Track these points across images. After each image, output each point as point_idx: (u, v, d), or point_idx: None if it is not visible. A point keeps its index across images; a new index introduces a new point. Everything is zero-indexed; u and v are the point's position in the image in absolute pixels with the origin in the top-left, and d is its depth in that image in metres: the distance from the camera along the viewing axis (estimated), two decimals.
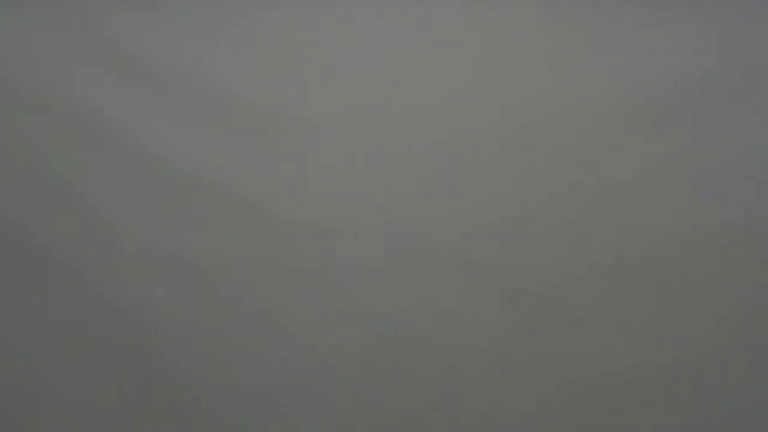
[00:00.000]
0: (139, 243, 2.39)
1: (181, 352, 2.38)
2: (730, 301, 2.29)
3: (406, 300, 2.35)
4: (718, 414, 2.27)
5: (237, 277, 2.38)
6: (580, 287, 2.32)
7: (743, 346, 2.28)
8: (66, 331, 2.39)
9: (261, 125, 2.40)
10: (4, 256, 2.41)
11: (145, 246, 2.39)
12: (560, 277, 2.32)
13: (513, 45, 2.37)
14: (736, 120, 2.31)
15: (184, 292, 2.38)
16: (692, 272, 2.30)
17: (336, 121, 2.39)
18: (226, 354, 2.38)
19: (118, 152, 2.41)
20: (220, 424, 2.37)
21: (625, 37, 2.35)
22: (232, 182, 2.40)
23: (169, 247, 2.39)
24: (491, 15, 2.37)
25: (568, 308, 2.32)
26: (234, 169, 2.40)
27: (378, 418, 2.35)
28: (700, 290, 2.30)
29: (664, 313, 2.30)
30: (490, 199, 2.35)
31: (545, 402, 2.31)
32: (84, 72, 2.42)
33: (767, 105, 2.31)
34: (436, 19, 2.38)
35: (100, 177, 2.41)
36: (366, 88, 2.39)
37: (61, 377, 2.39)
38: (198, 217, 2.40)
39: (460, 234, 2.35)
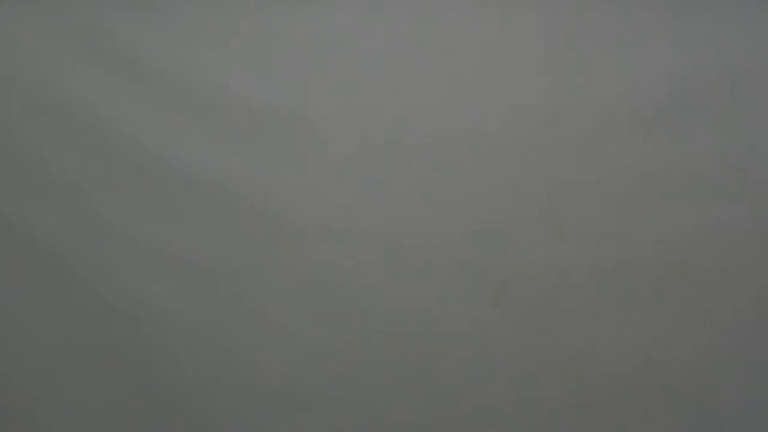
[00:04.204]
0: (139, 242, 2.39)
1: (181, 352, 2.38)
2: (730, 301, 2.29)
3: (406, 300, 2.35)
4: (718, 414, 2.27)
5: (237, 277, 2.38)
6: (580, 287, 2.32)
7: (743, 346, 2.28)
8: (66, 331, 2.39)
9: (261, 125, 2.40)
10: (4, 256, 2.41)
11: (145, 245, 2.39)
12: (560, 277, 2.32)
13: (513, 45, 2.37)
14: (736, 120, 2.31)
15: (184, 292, 2.38)
16: (692, 272, 2.30)
17: (336, 122, 2.39)
18: (227, 354, 2.38)
19: (118, 152, 2.41)
20: (221, 424, 2.36)
21: (625, 37, 2.35)
22: (232, 182, 2.39)
23: (169, 246, 2.39)
24: (491, 15, 2.37)
25: (568, 308, 2.32)
26: (234, 169, 2.40)
27: (378, 418, 2.34)
28: (700, 290, 2.30)
29: (664, 313, 2.30)
30: (491, 200, 2.35)
31: (545, 402, 2.31)
32: (84, 72, 2.42)
33: (767, 105, 2.31)
34: (437, 19, 2.38)
35: (100, 177, 2.41)
36: (366, 88, 2.39)
37: (61, 377, 2.38)
38: (198, 217, 2.39)
39: (460, 234, 2.35)
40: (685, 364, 2.28)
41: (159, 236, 2.40)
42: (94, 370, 2.38)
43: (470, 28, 2.38)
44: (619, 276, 2.31)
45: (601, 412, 2.30)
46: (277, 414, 2.36)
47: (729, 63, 2.32)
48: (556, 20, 2.36)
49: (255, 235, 2.39)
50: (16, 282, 2.40)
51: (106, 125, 2.42)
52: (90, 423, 2.38)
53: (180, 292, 2.39)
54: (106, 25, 2.43)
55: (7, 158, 2.43)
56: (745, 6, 2.33)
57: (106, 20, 2.43)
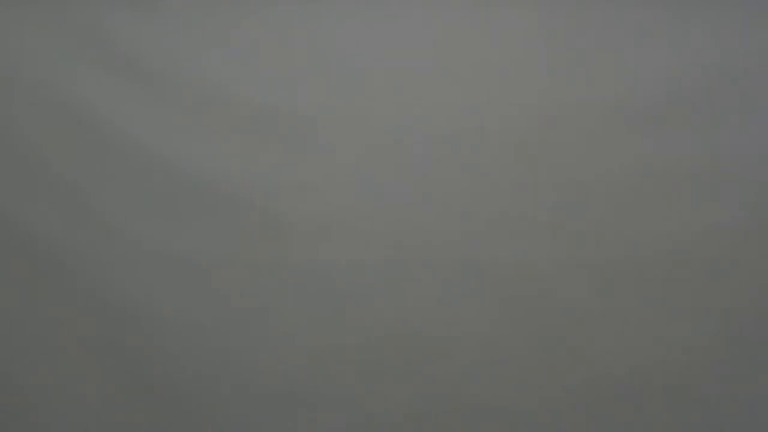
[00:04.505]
0: (139, 242, 2.39)
1: (181, 352, 2.38)
2: (730, 301, 2.29)
3: (406, 300, 2.35)
4: (718, 414, 2.27)
5: (237, 277, 2.38)
6: (580, 287, 2.32)
7: (743, 346, 2.28)
8: (66, 331, 2.39)
9: (261, 125, 2.40)
10: (4, 256, 2.41)
11: (145, 245, 2.39)
12: (560, 277, 2.32)
13: (513, 45, 2.37)
14: (736, 120, 2.31)
15: (184, 292, 2.38)
16: (692, 272, 2.30)
17: (336, 122, 2.39)
18: (227, 354, 2.38)
19: (118, 152, 2.41)
20: (221, 424, 2.36)
21: (625, 37, 2.35)
22: (232, 182, 2.39)
23: (169, 246, 2.39)
24: (492, 15, 2.37)
25: (569, 308, 2.32)
26: (234, 169, 2.40)
27: (378, 418, 2.34)
28: (700, 290, 2.30)
29: (664, 313, 2.30)
30: (491, 199, 2.35)
31: (546, 402, 2.31)
32: (84, 72, 2.42)
33: (767, 105, 2.31)
34: (437, 19, 2.38)
35: (100, 177, 2.41)
36: (366, 88, 2.39)
37: (61, 377, 2.38)
38: (198, 217, 2.39)
39: (460, 234, 2.35)
40: (686, 364, 2.28)
41: (159, 236, 2.40)
42: (94, 370, 2.38)
43: (470, 28, 2.38)
44: (619, 276, 2.31)
45: (602, 412, 2.30)
46: (277, 414, 2.36)
47: (729, 63, 2.32)
48: (556, 20, 2.36)
49: (255, 235, 2.39)
50: (16, 282, 2.40)
51: (106, 125, 2.42)
52: (90, 423, 2.38)
53: (180, 292, 2.39)
54: (106, 25, 2.43)
55: (7, 158, 2.43)
56: (745, 6, 2.33)
57: (106, 20, 2.43)
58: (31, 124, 2.42)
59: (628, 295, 2.31)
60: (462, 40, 2.38)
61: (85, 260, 2.39)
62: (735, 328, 2.28)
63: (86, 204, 2.41)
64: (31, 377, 2.39)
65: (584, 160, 2.34)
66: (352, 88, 2.39)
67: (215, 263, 2.39)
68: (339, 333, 2.36)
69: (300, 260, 2.37)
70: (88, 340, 2.38)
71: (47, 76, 2.43)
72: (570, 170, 2.34)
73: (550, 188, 2.34)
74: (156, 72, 2.42)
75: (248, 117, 2.41)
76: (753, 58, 2.32)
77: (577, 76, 2.35)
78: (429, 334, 2.34)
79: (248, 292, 2.38)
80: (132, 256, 2.39)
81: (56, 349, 2.39)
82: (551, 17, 2.36)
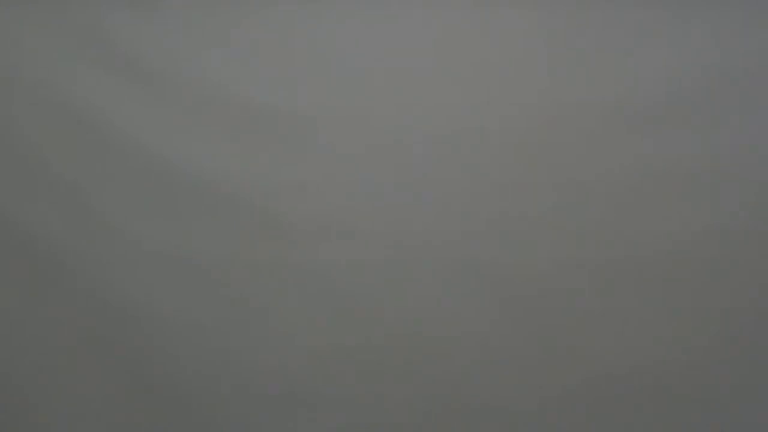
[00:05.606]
0: (139, 242, 2.39)
1: (181, 352, 2.38)
2: (730, 301, 2.29)
3: (406, 300, 2.35)
4: (718, 414, 2.27)
5: (237, 277, 2.38)
6: (580, 287, 2.32)
7: (743, 346, 2.28)
8: (66, 332, 2.39)
9: (261, 125, 2.40)
10: (4, 256, 2.41)
11: (145, 245, 2.39)
12: (560, 277, 2.32)
13: (513, 45, 2.37)
14: (736, 120, 2.31)
15: (184, 292, 2.38)
16: (692, 272, 2.30)
17: (336, 122, 2.39)
18: (227, 354, 2.38)
19: (118, 152, 2.41)
20: (221, 424, 2.36)
21: (625, 37, 2.35)
22: (232, 182, 2.39)
23: (169, 246, 2.39)
24: (492, 15, 2.37)
25: (569, 308, 2.32)
26: (234, 169, 2.40)
27: (378, 418, 2.35)
28: (700, 290, 2.30)
29: (664, 313, 2.30)
30: (491, 199, 2.35)
31: (546, 402, 2.31)
32: (84, 72, 2.42)
33: (767, 105, 2.31)
34: (437, 19, 2.38)
35: (100, 177, 2.41)
36: (366, 88, 2.39)
37: (61, 377, 2.38)
38: (198, 217, 2.39)
39: (460, 234, 2.35)
40: (686, 364, 2.28)
41: (159, 236, 2.40)
42: (94, 370, 2.38)
43: (470, 28, 2.38)
44: (620, 276, 2.31)
45: (602, 412, 2.30)
46: (277, 414, 2.36)
47: (729, 63, 2.32)
48: (556, 20, 2.36)
49: (255, 235, 2.39)
50: (16, 282, 2.40)
51: (106, 125, 2.42)
52: (90, 423, 2.38)
53: (180, 292, 2.39)
54: (106, 25, 2.43)
55: (7, 158, 2.43)
56: (745, 6, 2.33)
57: (106, 20, 2.43)
58: (31, 124, 2.42)
59: (628, 295, 2.31)
60: (462, 40, 2.38)
61: (85, 260, 2.39)
62: (735, 328, 2.28)
63: (86, 204, 2.41)
64: (31, 377, 2.39)
65: (584, 160, 2.34)
66: (352, 88, 2.39)
67: (215, 263, 2.39)
68: (339, 333, 2.36)
69: (300, 260, 2.37)
70: (88, 340, 2.38)
71: (47, 76, 2.43)
72: (570, 170, 2.34)
73: (550, 188, 2.34)
74: (156, 72, 2.42)
75: (248, 117, 2.41)
76: (753, 58, 2.32)
77: (577, 76, 2.35)
78: (429, 334, 2.34)
79: (248, 292, 2.38)
80: (132, 256, 2.39)
81: (56, 349, 2.39)
82: (551, 17, 2.36)
